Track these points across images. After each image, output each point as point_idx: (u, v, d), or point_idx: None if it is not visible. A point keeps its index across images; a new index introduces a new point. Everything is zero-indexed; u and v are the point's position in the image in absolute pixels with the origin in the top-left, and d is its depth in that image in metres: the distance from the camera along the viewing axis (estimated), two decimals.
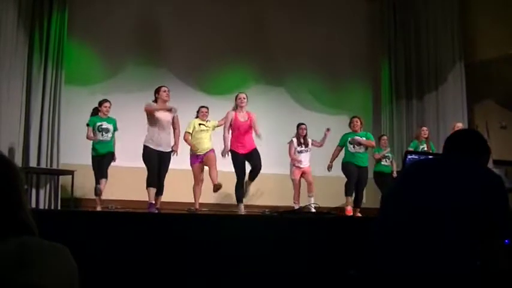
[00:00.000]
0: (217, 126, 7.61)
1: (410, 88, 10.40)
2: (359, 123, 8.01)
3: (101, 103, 7.41)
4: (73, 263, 1.12)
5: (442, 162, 2.37)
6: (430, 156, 4.85)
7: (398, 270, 2.10)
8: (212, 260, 3.83)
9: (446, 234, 2.05)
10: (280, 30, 10.26)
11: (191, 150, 7.51)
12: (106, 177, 7.15)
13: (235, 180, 6.97)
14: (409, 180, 2.32)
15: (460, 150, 2.32)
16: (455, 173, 2.18)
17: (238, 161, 6.89)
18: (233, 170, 6.98)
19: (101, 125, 7.30)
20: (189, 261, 3.81)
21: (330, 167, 8.06)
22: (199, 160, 7.43)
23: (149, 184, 6.56)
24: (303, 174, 8.24)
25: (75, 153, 8.03)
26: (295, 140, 8.30)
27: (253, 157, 6.96)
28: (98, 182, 7.10)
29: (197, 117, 7.72)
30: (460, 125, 8.40)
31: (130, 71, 9.36)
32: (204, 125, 7.59)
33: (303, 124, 8.40)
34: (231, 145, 6.96)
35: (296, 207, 7.72)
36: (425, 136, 8.60)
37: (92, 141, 7.24)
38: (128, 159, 7.39)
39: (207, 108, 7.77)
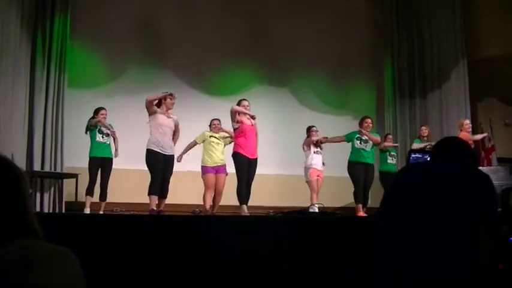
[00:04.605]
0: (227, 138, 7.52)
1: (414, 87, 10.38)
2: (371, 123, 7.97)
3: (97, 110, 7.42)
4: (78, 267, 1.11)
5: (436, 164, 2.51)
6: (428, 158, 4.85)
7: (404, 269, 2.15)
8: (217, 261, 3.83)
9: (448, 232, 2.14)
10: (283, 31, 10.25)
11: (202, 161, 7.44)
12: (105, 198, 7.23)
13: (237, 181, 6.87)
14: (407, 181, 2.43)
15: (449, 154, 2.49)
16: (449, 173, 2.33)
17: (243, 163, 6.78)
18: (234, 170, 6.89)
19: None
20: (194, 263, 3.81)
21: (321, 142, 8.08)
22: (212, 171, 7.36)
23: (152, 192, 6.48)
24: (318, 177, 8.09)
25: (79, 157, 8.02)
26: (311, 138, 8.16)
27: (251, 168, 6.86)
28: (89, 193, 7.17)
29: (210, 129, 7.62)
30: (468, 122, 8.33)
31: (133, 73, 9.37)
32: (215, 137, 7.52)
33: (313, 126, 8.27)
34: (237, 148, 6.88)
35: (315, 209, 7.59)
36: (425, 135, 8.55)
37: (91, 144, 7.28)
38: (132, 162, 7.37)
39: (219, 120, 7.61)
